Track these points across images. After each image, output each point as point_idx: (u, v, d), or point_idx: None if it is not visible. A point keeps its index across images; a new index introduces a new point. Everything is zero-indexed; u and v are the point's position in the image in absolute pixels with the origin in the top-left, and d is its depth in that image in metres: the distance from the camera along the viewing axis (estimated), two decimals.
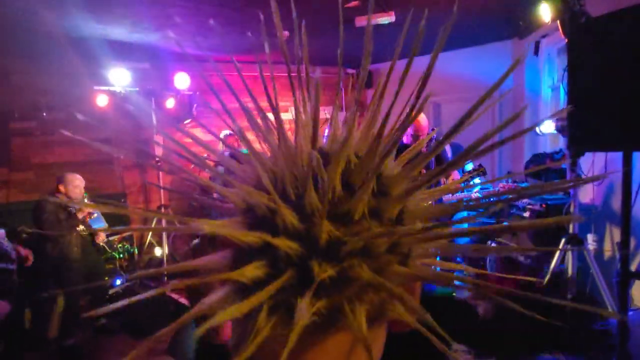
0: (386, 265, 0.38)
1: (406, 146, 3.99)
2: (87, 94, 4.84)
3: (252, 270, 0.36)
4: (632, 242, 3.03)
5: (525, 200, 3.83)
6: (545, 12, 2.92)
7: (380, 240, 0.37)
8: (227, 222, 0.40)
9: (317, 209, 0.37)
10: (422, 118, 3.91)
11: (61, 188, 3.68)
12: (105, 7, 3.55)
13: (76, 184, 3.74)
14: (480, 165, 3.82)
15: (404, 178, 0.42)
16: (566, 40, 2.28)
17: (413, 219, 0.42)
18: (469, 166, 4.31)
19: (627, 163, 1.93)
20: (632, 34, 1.82)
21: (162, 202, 5.73)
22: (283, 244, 0.36)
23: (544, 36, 4.46)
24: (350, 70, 6.17)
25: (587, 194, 3.55)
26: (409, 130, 3.94)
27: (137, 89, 5.10)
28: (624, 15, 1.88)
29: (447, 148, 4.05)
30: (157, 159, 4.11)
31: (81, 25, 3.95)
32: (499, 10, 4.19)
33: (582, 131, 2.15)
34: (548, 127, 3.23)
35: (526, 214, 3.81)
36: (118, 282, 4.48)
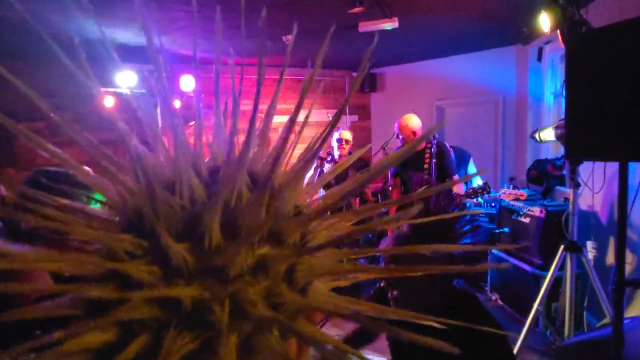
0: (260, 332, 0.31)
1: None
2: (94, 95, 4.90)
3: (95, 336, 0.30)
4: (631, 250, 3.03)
5: (525, 206, 3.84)
6: (544, 22, 2.92)
7: (250, 300, 0.30)
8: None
9: (184, 265, 0.29)
10: (409, 119, 3.90)
11: None
12: (112, 12, 3.61)
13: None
14: (485, 184, 3.79)
15: (300, 220, 0.34)
16: (565, 50, 2.30)
17: (309, 274, 0.34)
18: (475, 182, 4.30)
19: (623, 173, 1.95)
20: (631, 46, 1.84)
21: None
22: (135, 312, 0.29)
23: (547, 42, 4.47)
24: (355, 74, 6.22)
25: (586, 201, 3.56)
26: (401, 136, 3.95)
27: (144, 90, 5.17)
28: (623, 27, 1.90)
29: (451, 153, 4.03)
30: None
31: (87, 29, 4.02)
32: (502, 17, 4.21)
33: (579, 140, 2.17)
34: (548, 135, 3.24)
35: (526, 220, 3.82)
36: None
